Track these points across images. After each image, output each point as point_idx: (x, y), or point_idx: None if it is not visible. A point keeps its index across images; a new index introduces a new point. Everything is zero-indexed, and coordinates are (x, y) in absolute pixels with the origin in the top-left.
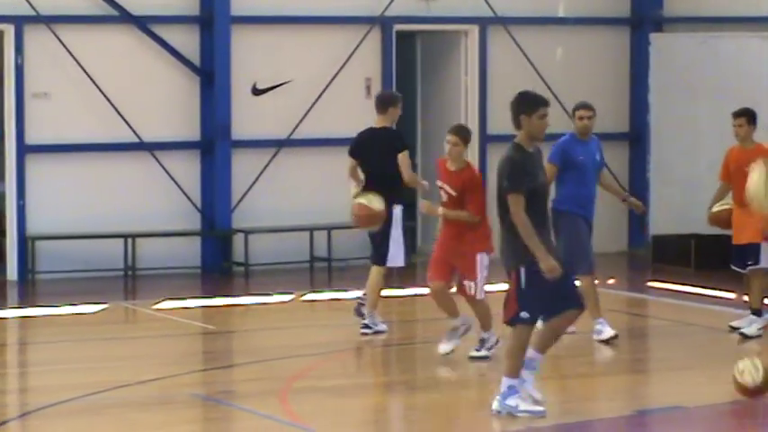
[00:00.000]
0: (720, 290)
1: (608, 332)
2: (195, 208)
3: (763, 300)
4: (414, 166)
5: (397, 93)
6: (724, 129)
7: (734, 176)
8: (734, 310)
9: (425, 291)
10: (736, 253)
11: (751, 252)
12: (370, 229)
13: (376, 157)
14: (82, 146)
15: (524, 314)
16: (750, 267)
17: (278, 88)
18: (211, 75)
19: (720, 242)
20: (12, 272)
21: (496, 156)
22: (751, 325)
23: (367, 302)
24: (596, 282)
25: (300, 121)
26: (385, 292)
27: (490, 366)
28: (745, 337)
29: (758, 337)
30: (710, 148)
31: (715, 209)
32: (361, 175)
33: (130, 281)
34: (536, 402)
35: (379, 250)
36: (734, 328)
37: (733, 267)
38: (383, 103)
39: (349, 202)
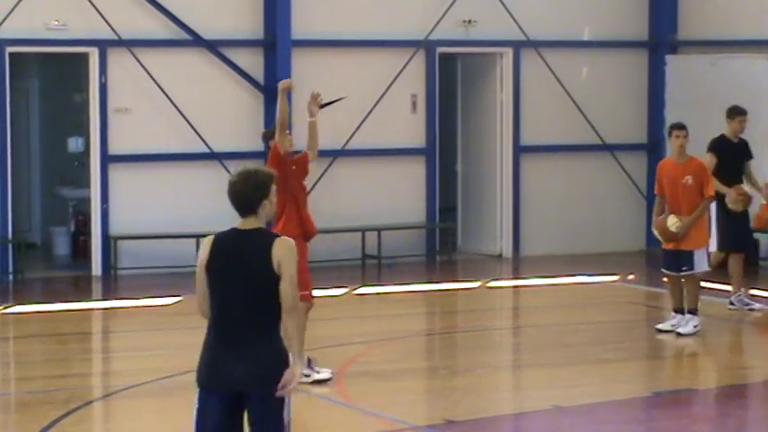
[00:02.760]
0: (730, 284)
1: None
2: None
3: (698, 301)
4: (454, 174)
5: (736, 107)
6: None
7: (666, 188)
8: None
9: (466, 285)
10: (672, 258)
11: (684, 258)
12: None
13: None
14: (158, 156)
15: None
16: (685, 273)
17: (333, 104)
18: (274, 92)
19: None
20: (96, 268)
21: (530, 165)
22: (688, 324)
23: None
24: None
25: (353, 133)
26: (431, 287)
27: (521, 352)
28: (681, 335)
29: (695, 334)
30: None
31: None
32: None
33: None
34: None
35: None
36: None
37: (663, 271)
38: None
39: None
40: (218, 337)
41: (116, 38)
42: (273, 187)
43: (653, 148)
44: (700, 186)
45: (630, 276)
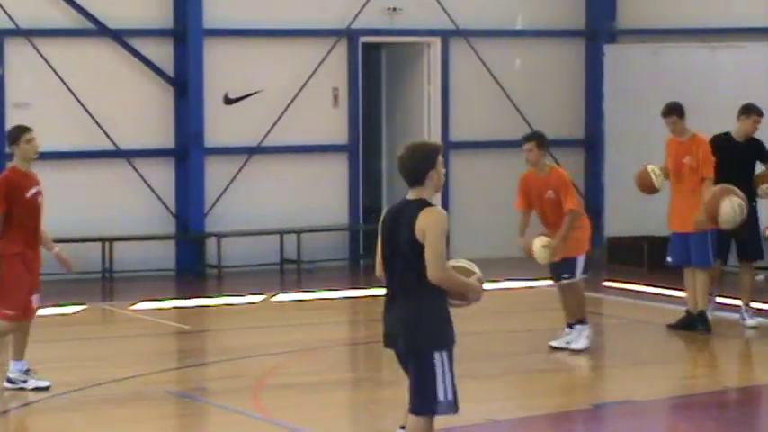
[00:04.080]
0: (671, 288)
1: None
2: (170, 213)
3: (584, 309)
4: (378, 172)
5: (749, 105)
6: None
7: (534, 203)
8: (683, 307)
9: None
10: (554, 268)
11: (566, 266)
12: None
13: None
14: (61, 154)
15: None
16: (565, 281)
17: (249, 98)
18: (185, 85)
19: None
20: None
21: (460, 162)
22: (580, 337)
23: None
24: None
25: (270, 129)
26: (355, 293)
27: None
28: (576, 351)
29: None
30: (662, 153)
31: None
32: None
33: (108, 283)
34: None
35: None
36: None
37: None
38: None
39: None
40: (386, 300)
41: (14, 27)
42: (440, 159)
43: (591, 145)
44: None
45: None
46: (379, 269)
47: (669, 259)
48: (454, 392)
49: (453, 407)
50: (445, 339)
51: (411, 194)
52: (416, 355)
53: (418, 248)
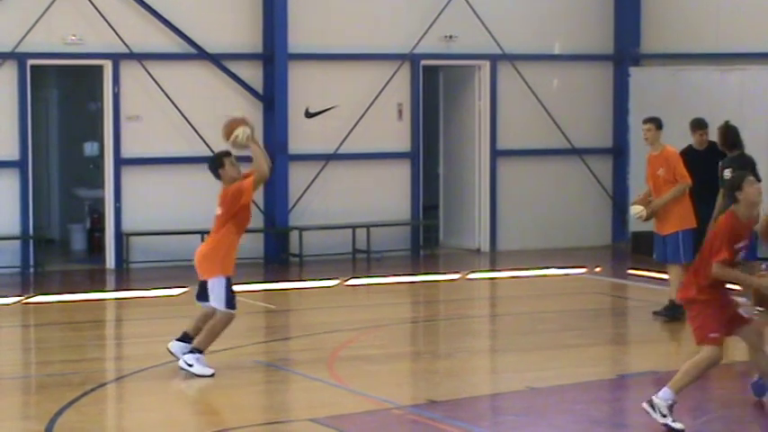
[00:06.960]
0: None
1: None
2: (259, 209)
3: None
4: (436, 175)
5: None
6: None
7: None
8: None
9: (447, 277)
10: (203, 288)
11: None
12: None
13: None
14: (167, 159)
15: None
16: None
17: (326, 112)
18: (272, 101)
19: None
20: (110, 262)
21: (506, 167)
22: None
23: None
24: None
25: (344, 139)
26: (416, 278)
27: (498, 338)
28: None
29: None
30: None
31: None
32: None
33: None
34: None
35: None
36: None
37: (201, 303)
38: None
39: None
40: None
41: (128, 51)
42: None
43: (618, 152)
44: None
45: (597, 269)
46: None
47: (654, 256)
48: None
49: None
50: None
51: None
52: None
53: None
